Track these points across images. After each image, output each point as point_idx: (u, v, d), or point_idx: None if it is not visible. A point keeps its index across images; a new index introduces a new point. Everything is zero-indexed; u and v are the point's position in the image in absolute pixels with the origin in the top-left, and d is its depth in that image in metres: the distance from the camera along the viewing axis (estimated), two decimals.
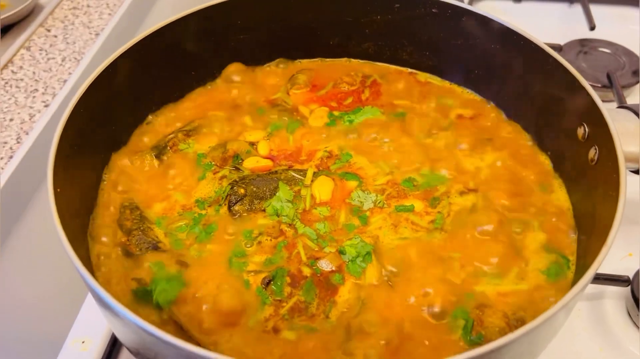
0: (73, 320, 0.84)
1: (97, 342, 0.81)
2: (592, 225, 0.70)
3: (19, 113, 1.07)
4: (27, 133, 1.02)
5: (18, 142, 1.01)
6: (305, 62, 1.01)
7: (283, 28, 0.97)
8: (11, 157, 0.98)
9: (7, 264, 0.91)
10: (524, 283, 0.72)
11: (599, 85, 1.16)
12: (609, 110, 0.72)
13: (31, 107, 1.08)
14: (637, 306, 0.82)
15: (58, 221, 0.61)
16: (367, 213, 0.79)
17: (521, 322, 0.67)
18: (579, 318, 0.85)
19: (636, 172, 0.74)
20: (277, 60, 1.00)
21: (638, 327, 0.83)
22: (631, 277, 0.85)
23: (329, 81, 0.98)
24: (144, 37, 0.84)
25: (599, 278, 0.83)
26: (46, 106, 1.08)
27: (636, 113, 0.74)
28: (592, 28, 1.27)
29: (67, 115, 0.71)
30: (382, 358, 0.63)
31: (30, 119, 1.05)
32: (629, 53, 1.24)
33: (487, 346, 0.52)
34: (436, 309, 0.69)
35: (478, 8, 0.88)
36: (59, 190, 0.64)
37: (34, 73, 1.15)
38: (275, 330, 0.67)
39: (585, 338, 0.83)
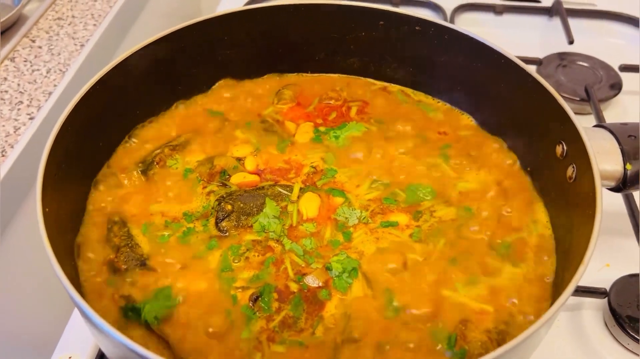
0: (59, 335, 0.84)
1: (85, 358, 0.81)
2: (570, 242, 0.72)
3: (3, 125, 1.06)
4: (12, 147, 1.02)
5: (3, 156, 1.00)
6: (291, 77, 1.02)
7: (269, 43, 0.98)
8: None
9: None
10: (504, 295, 0.74)
11: (577, 99, 1.20)
12: (585, 129, 0.75)
13: (16, 120, 1.07)
14: (614, 317, 0.85)
15: (47, 241, 0.61)
16: (351, 229, 0.80)
17: (503, 335, 0.69)
18: (557, 329, 0.87)
19: (612, 189, 0.77)
20: (263, 75, 1.01)
21: (615, 338, 0.86)
22: (608, 289, 0.87)
23: (314, 96, 0.99)
24: (131, 53, 0.85)
25: (577, 291, 0.86)
26: (31, 119, 1.07)
27: (612, 132, 0.77)
28: (571, 42, 1.30)
29: (55, 135, 0.71)
30: None
31: (15, 132, 1.05)
32: (606, 67, 1.27)
33: None
34: (420, 323, 0.71)
35: (460, 23, 0.91)
36: (47, 209, 0.65)
37: (18, 85, 1.15)
38: (269, 341, 0.68)
39: (563, 349, 0.85)
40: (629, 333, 0.83)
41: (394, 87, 1.01)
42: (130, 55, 0.85)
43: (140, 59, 0.86)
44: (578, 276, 0.59)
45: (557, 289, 0.73)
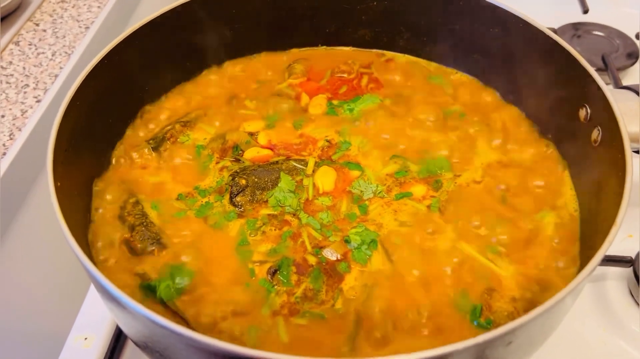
0: (75, 317, 0.83)
1: (100, 338, 0.80)
2: (597, 207, 0.70)
3: (10, 109, 1.05)
4: (20, 130, 1.00)
5: (11, 139, 0.99)
6: (302, 51, 1.00)
7: (279, 16, 0.96)
8: (4, 154, 0.96)
9: (5, 262, 0.89)
10: (529, 263, 0.71)
11: (594, 68, 1.16)
12: (610, 90, 0.72)
13: (23, 103, 1.06)
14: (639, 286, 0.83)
15: (60, 215, 0.59)
16: (367, 202, 0.78)
17: (529, 305, 0.67)
18: (582, 299, 0.85)
19: (637, 151, 0.74)
20: (274, 49, 0.99)
21: None
22: (633, 258, 0.85)
23: (326, 70, 0.97)
24: (137, 28, 0.83)
25: (603, 259, 0.83)
26: (38, 101, 1.06)
27: (637, 93, 0.74)
28: (586, 11, 1.27)
29: (64, 109, 0.70)
30: (394, 342, 0.63)
31: (22, 115, 1.03)
32: (622, 36, 1.24)
33: (499, 329, 0.51)
34: (444, 293, 0.69)
35: None
36: (59, 184, 0.63)
37: (24, 68, 1.13)
38: (291, 315, 0.66)
39: (588, 319, 0.84)
40: None
41: (407, 58, 0.99)
42: (136, 30, 0.83)
43: (147, 34, 0.84)
44: (611, 236, 0.57)
45: (585, 257, 0.70)
